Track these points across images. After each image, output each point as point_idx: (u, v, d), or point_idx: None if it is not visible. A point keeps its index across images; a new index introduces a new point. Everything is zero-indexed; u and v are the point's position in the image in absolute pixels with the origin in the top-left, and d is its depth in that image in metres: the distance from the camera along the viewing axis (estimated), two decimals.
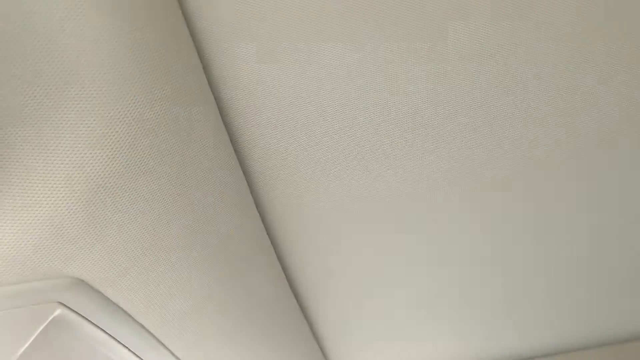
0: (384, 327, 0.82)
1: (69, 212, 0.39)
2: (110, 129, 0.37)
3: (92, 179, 0.38)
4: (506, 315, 0.80)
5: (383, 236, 0.65)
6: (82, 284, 0.45)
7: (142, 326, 0.51)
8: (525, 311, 0.79)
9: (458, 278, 0.73)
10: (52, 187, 0.37)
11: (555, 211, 0.63)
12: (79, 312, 0.47)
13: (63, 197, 0.38)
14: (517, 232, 0.65)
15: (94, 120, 0.36)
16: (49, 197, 0.38)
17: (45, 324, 0.47)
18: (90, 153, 0.37)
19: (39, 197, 0.37)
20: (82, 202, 0.39)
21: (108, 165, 0.38)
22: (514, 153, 0.55)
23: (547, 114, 0.52)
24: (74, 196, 0.39)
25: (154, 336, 0.52)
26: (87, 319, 0.48)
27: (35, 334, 0.47)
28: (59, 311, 0.46)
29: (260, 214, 0.62)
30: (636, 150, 0.56)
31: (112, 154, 0.38)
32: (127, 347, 0.51)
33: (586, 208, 0.62)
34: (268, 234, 0.64)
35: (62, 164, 0.37)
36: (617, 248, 0.68)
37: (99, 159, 0.38)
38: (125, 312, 0.48)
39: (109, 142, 0.38)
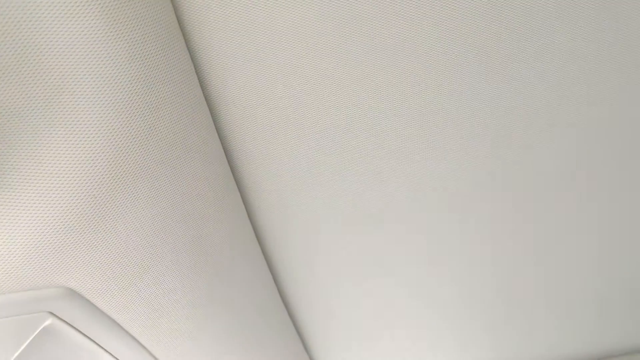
0: (370, 333, 0.82)
1: (60, 223, 0.39)
2: (102, 139, 0.37)
3: (84, 190, 0.38)
4: (496, 327, 0.79)
5: (372, 243, 0.65)
6: (72, 294, 0.45)
7: (133, 337, 0.50)
8: (519, 323, 0.79)
9: (449, 286, 0.72)
10: (42, 197, 0.37)
11: (555, 221, 0.62)
12: (69, 322, 0.47)
13: (54, 207, 0.38)
14: (516, 240, 0.65)
15: (87, 130, 0.36)
16: (39, 207, 0.38)
17: (36, 333, 0.46)
18: (82, 164, 0.37)
19: (30, 207, 0.37)
20: (73, 212, 0.39)
21: (100, 175, 0.38)
22: (513, 156, 0.55)
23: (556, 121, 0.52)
24: (64, 206, 0.39)
25: (144, 347, 0.52)
26: (77, 329, 0.47)
27: (26, 344, 0.47)
28: (49, 321, 0.46)
29: (250, 220, 0.62)
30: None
31: (105, 165, 0.38)
32: (117, 359, 0.50)
33: (591, 213, 0.62)
34: (257, 239, 0.64)
35: (53, 174, 0.37)
36: (623, 256, 0.68)
37: (92, 170, 0.38)
38: (116, 322, 0.48)
39: (101, 153, 0.38)
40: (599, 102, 0.50)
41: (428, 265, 0.68)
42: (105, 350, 0.49)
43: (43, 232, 0.39)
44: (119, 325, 0.48)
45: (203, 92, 0.48)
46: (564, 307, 0.75)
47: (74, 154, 0.37)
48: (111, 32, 0.35)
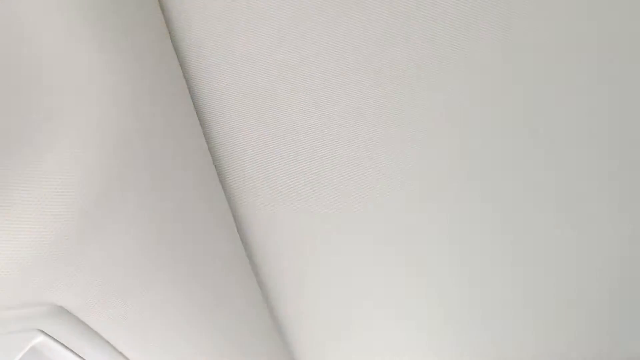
0: (353, 333, 0.81)
1: (49, 239, 0.39)
2: (93, 156, 0.38)
3: (73, 206, 0.39)
4: (484, 329, 0.79)
5: (360, 246, 0.64)
6: (62, 312, 0.45)
7: (123, 355, 0.50)
8: (505, 325, 0.78)
9: (439, 292, 0.71)
10: (32, 214, 0.37)
11: (555, 225, 0.61)
12: (59, 340, 0.47)
13: (43, 224, 0.38)
14: (509, 241, 0.64)
15: (77, 147, 0.37)
16: (29, 224, 0.38)
17: (25, 351, 0.46)
18: (72, 180, 0.37)
19: (19, 224, 0.37)
20: (62, 229, 0.39)
21: (90, 192, 0.39)
22: (509, 156, 0.54)
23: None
24: (54, 223, 0.39)
25: None
26: (67, 347, 0.47)
27: None
28: (39, 339, 0.46)
29: (236, 227, 0.62)
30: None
31: (95, 182, 0.39)
32: None
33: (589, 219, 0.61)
34: (244, 246, 0.64)
35: (42, 190, 0.37)
36: (622, 264, 0.66)
37: (82, 186, 0.38)
38: (106, 341, 0.48)
39: (91, 170, 0.38)
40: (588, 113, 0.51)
41: (426, 263, 0.67)
42: None
43: (31, 249, 0.40)
44: (108, 343, 0.48)
45: (191, 98, 0.49)
46: (567, 310, 0.73)
47: (64, 170, 0.37)
48: (101, 41, 0.35)
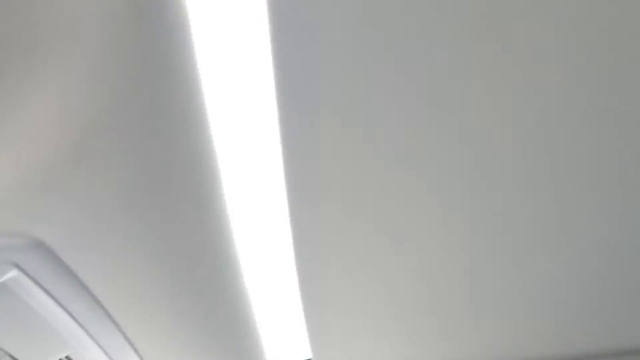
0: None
1: (36, 170, 0.39)
2: (91, 89, 0.37)
3: (63, 139, 0.38)
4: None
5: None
6: (41, 246, 0.44)
7: (96, 298, 0.50)
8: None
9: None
10: (21, 144, 0.37)
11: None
12: (33, 277, 0.46)
13: (32, 154, 0.38)
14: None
15: (77, 77, 0.36)
16: (17, 155, 0.37)
17: None
18: (63, 112, 0.37)
19: (6, 154, 0.37)
20: (51, 161, 0.39)
21: (82, 125, 0.38)
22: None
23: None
24: (42, 154, 0.38)
25: (105, 310, 0.51)
26: (40, 285, 0.46)
27: None
28: (12, 273, 0.45)
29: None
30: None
31: (84, 116, 0.38)
32: (76, 320, 0.50)
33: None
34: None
35: (34, 119, 0.36)
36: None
37: (73, 119, 0.38)
38: (81, 282, 0.48)
39: (80, 106, 0.37)
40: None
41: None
42: (66, 310, 0.49)
43: (17, 178, 0.39)
44: (83, 285, 0.48)
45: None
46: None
47: (64, 96, 0.36)
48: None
